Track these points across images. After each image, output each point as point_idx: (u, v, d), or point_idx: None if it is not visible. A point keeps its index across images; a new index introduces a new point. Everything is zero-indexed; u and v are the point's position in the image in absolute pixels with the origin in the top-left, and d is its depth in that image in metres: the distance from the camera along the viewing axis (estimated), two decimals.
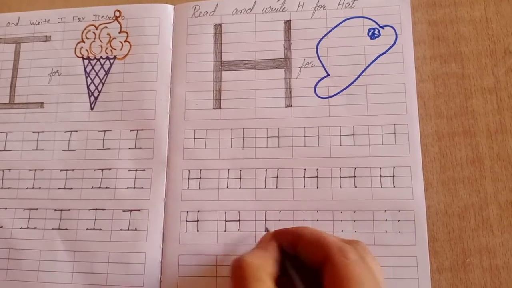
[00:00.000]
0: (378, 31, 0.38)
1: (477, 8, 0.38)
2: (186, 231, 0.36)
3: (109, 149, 0.39)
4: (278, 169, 0.36)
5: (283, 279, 0.28)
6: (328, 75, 0.38)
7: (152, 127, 0.39)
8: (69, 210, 0.38)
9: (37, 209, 0.38)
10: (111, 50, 0.41)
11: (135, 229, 0.37)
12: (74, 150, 0.39)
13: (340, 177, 0.36)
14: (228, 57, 0.39)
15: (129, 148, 0.38)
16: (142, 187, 0.37)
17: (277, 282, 0.27)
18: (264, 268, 0.27)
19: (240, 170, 0.37)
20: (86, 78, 0.41)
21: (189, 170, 0.37)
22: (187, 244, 0.36)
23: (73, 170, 0.39)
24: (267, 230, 0.35)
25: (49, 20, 0.42)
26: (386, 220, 0.34)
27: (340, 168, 0.36)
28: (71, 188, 0.38)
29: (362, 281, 0.25)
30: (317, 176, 0.36)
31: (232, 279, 0.27)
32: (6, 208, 0.39)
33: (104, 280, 0.36)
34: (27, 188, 0.39)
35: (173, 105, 0.39)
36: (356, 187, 0.35)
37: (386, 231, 0.34)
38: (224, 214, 0.36)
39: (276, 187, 0.36)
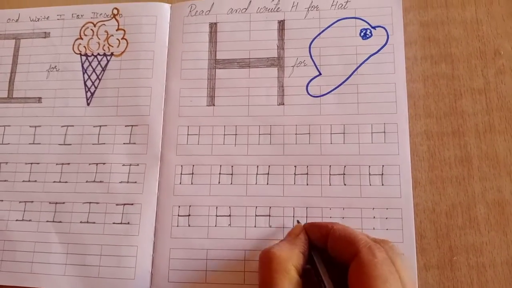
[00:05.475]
0: (370, 32, 0.39)
1: (468, 9, 0.39)
2: (177, 225, 0.37)
3: (104, 144, 0.39)
4: (269, 166, 0.37)
5: (308, 271, 0.30)
6: (320, 74, 0.38)
7: (146, 123, 0.39)
8: (63, 203, 0.38)
9: (32, 201, 0.39)
10: (108, 47, 0.42)
11: (128, 223, 0.37)
12: (70, 144, 0.40)
13: (330, 174, 0.36)
14: (222, 56, 0.40)
15: (124, 143, 0.39)
16: (135, 182, 0.38)
17: (303, 274, 0.28)
18: (291, 260, 0.28)
19: (232, 166, 0.37)
20: (83, 74, 0.41)
21: (182, 166, 0.38)
22: (178, 238, 0.36)
23: (68, 164, 0.39)
24: (298, 222, 0.35)
25: (48, 17, 0.43)
26: (374, 217, 0.35)
27: (330, 166, 0.36)
28: (66, 182, 0.39)
29: (388, 281, 0.25)
30: (307, 173, 0.36)
31: (260, 270, 0.29)
32: (2, 201, 0.39)
33: (96, 272, 0.36)
34: (23, 181, 0.39)
35: (168, 101, 0.40)
36: (345, 185, 0.36)
37: (374, 228, 0.35)
38: (215, 209, 0.37)
39: (267, 184, 0.37)
